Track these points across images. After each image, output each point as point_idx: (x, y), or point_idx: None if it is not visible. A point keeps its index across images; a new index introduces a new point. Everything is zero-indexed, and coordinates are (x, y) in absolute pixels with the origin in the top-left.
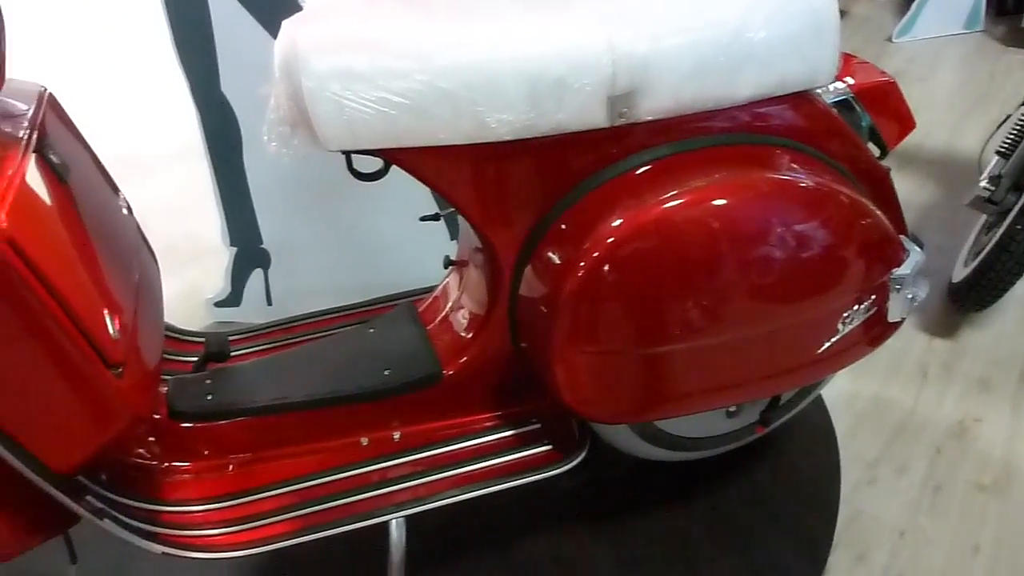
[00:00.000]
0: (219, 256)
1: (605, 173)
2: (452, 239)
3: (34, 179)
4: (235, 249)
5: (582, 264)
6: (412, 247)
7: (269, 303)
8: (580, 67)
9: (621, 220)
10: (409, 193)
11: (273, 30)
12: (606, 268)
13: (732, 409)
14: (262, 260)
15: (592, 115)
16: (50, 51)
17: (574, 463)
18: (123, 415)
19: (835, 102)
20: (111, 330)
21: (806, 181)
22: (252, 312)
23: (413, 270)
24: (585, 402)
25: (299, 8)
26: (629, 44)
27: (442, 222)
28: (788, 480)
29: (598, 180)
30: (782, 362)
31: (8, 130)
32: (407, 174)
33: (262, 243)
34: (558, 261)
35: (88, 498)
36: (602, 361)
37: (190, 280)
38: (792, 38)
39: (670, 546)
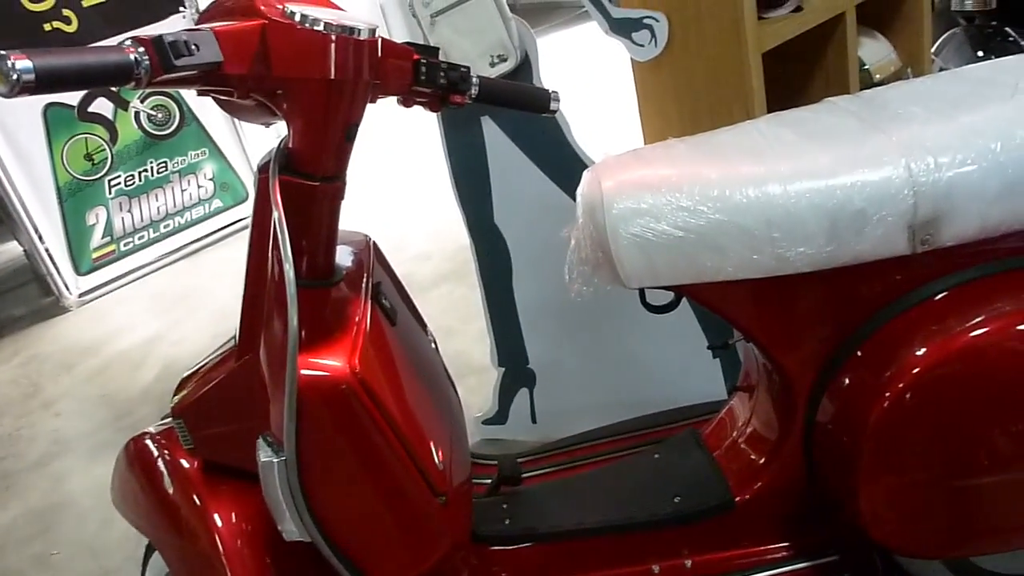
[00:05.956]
0: (484, 375)
1: (905, 300)
2: (714, 358)
3: (374, 325)
4: (503, 369)
5: (887, 394)
6: (671, 369)
7: (534, 421)
8: (880, 199)
9: (925, 348)
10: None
11: (546, 168)
12: (912, 397)
13: None
14: (528, 380)
15: (893, 244)
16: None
17: None
18: (446, 541)
19: None
20: (436, 460)
21: None
22: (517, 430)
23: (672, 390)
24: (893, 535)
25: (572, 151)
26: (929, 173)
27: (704, 345)
28: None
29: (898, 307)
30: None
31: (352, 281)
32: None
33: (528, 364)
34: (860, 390)
35: None
36: (911, 492)
37: None
38: None
39: None
